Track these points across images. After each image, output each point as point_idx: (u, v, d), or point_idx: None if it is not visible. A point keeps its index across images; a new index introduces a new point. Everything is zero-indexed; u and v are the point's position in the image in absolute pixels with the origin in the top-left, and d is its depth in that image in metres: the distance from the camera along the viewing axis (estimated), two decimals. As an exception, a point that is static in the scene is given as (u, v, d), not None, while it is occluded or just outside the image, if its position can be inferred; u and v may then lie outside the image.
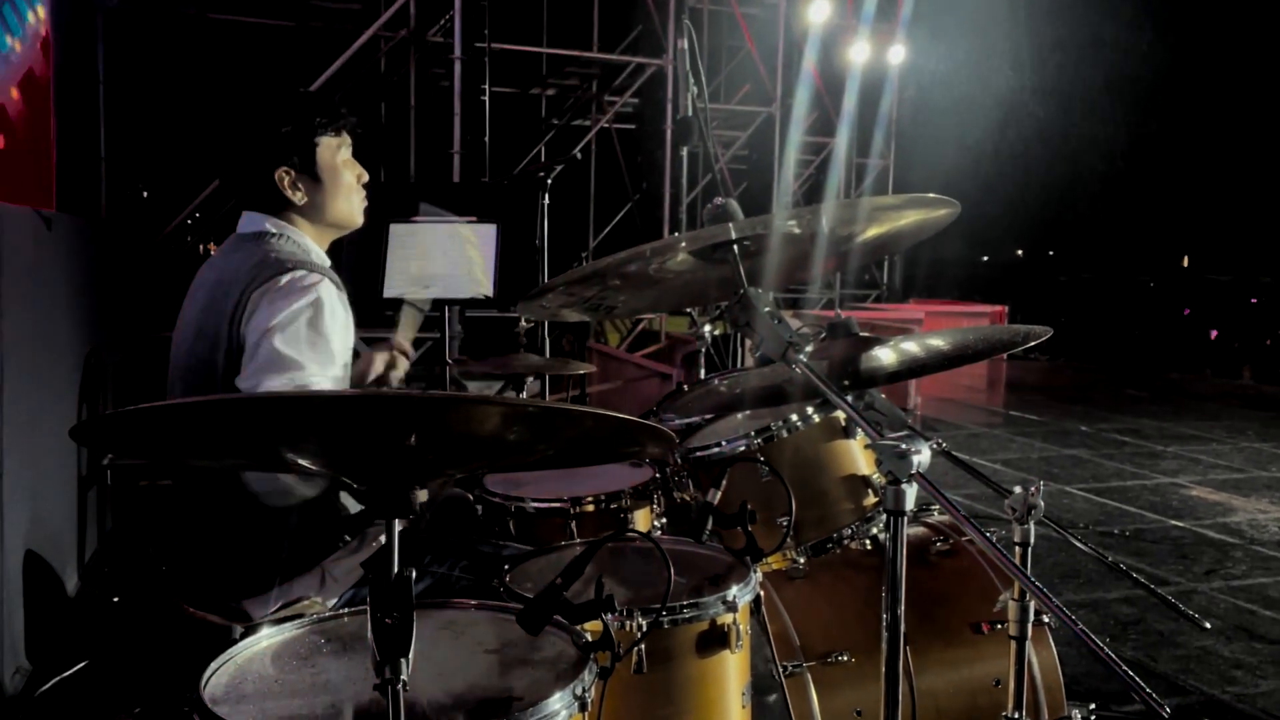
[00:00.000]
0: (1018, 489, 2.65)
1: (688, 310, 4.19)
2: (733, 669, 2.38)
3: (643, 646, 2.21)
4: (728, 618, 2.34)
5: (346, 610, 2.20)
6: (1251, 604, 5.86)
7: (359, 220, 3.16)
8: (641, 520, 3.49)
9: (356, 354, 3.11)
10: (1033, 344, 2.89)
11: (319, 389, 2.64)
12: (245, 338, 2.75)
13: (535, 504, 3.40)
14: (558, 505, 3.38)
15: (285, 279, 2.78)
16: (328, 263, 3.09)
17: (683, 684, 2.32)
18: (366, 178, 3.15)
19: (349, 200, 3.09)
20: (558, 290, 2.75)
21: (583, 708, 1.85)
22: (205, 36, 11.41)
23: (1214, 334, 21.40)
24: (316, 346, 2.75)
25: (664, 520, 3.54)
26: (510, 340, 4.84)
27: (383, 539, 2.93)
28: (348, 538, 2.94)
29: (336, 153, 3.04)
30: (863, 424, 2.32)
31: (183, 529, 2.97)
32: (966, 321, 15.58)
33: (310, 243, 3.04)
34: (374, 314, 5.23)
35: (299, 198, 2.98)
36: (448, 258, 4.95)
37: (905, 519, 2.24)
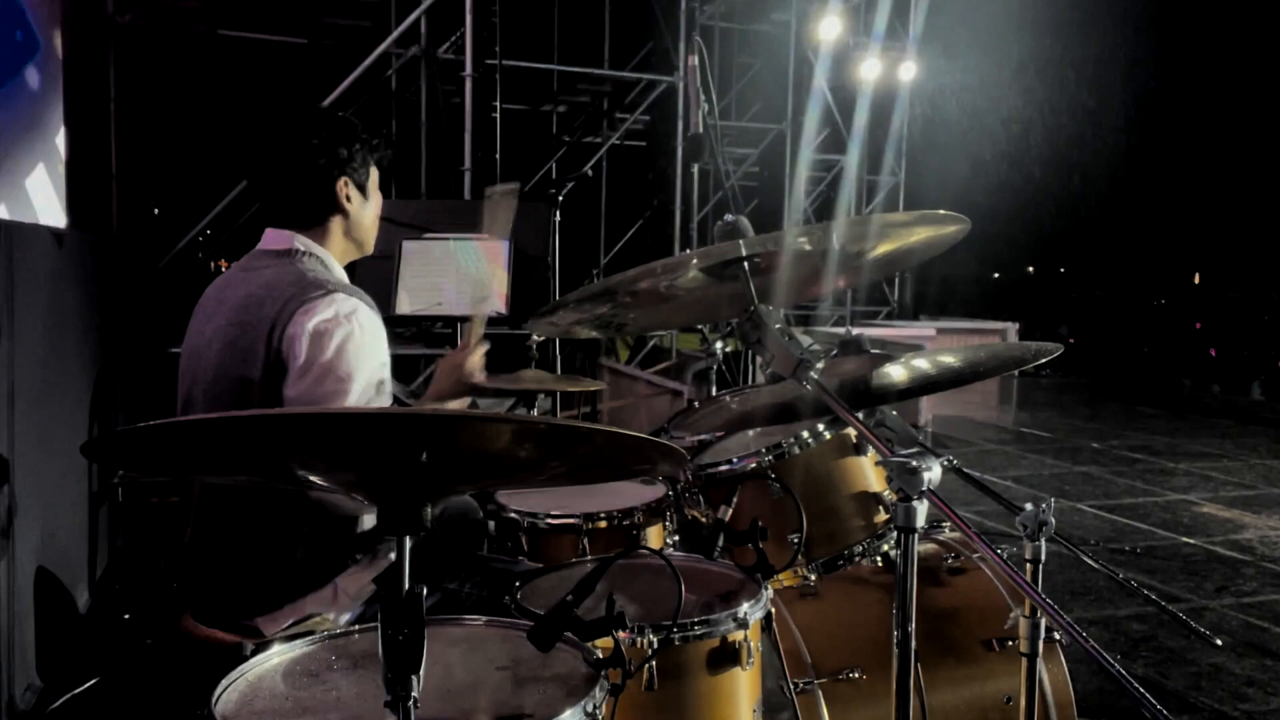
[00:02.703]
0: (1029, 506, 2.64)
1: (699, 327, 4.19)
2: (744, 686, 2.38)
3: (654, 663, 2.21)
4: (739, 635, 2.34)
5: (357, 627, 2.20)
6: (1263, 621, 5.84)
7: (372, 248, 3.23)
8: (653, 537, 3.49)
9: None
10: (1043, 361, 2.89)
11: (348, 407, 2.65)
12: (288, 353, 2.76)
13: (547, 520, 3.40)
14: (570, 522, 3.38)
15: (329, 302, 2.79)
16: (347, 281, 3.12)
17: (694, 701, 2.32)
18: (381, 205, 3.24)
19: (374, 222, 3.18)
20: (569, 307, 2.75)
21: (594, 725, 1.85)
22: (216, 53, 11.44)
23: (1225, 350, 21.34)
24: (357, 371, 2.78)
25: (676, 537, 3.54)
26: (521, 357, 4.84)
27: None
28: (359, 555, 2.93)
29: (376, 174, 3.15)
30: (874, 441, 2.32)
31: (194, 545, 2.97)
32: (977, 338, 15.56)
33: (334, 262, 3.07)
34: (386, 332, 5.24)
35: (350, 209, 3.05)
36: (460, 274, 4.95)
37: (916, 536, 2.24)
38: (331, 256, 3.06)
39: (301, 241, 3.01)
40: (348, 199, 3.04)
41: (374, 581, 2.88)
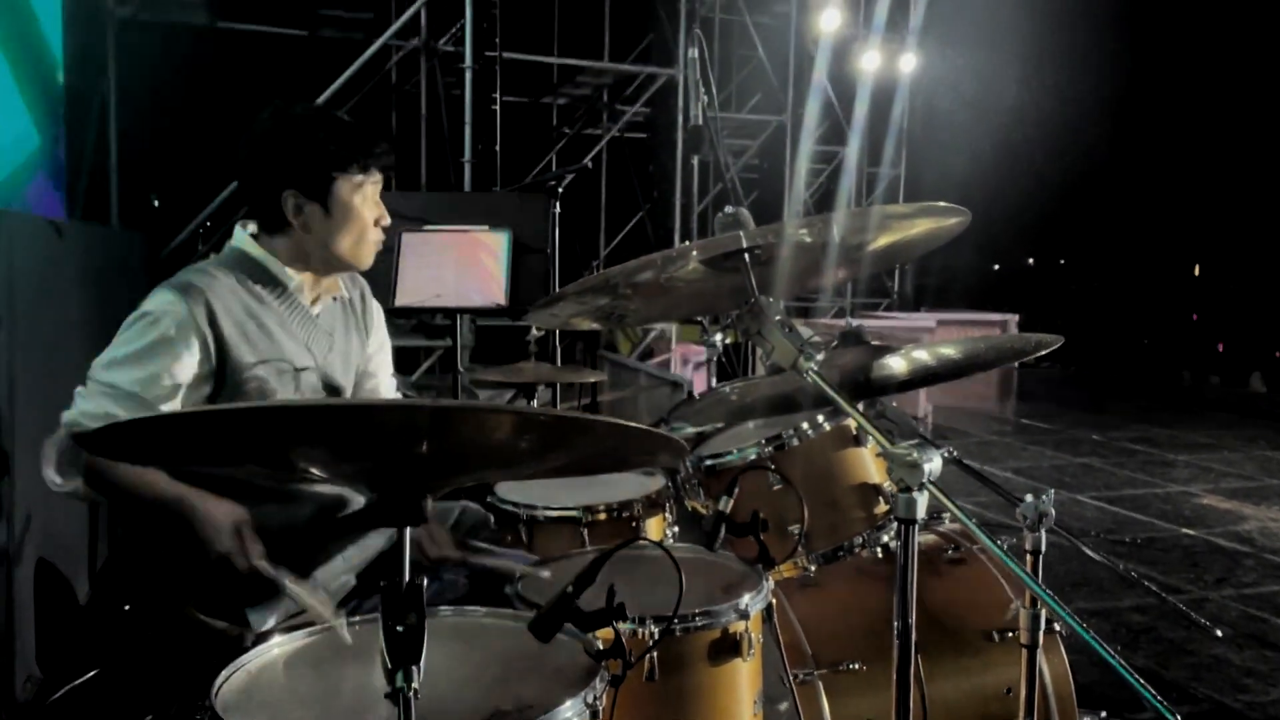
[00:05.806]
0: (1029, 497, 2.65)
1: (699, 319, 4.18)
2: (744, 677, 2.38)
3: (654, 654, 2.21)
4: (740, 626, 2.34)
5: (358, 618, 2.20)
6: (1263, 612, 5.84)
7: (366, 263, 2.98)
8: (653, 529, 3.49)
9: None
10: (1044, 352, 2.90)
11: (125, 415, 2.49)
12: None
13: (547, 512, 3.40)
14: (570, 514, 3.38)
15: (152, 294, 2.72)
16: (331, 289, 3.04)
17: (694, 692, 2.32)
18: (387, 221, 2.96)
19: (359, 241, 2.90)
20: (569, 299, 2.75)
21: (594, 716, 1.85)
22: (216, 45, 11.41)
23: (1225, 342, 21.36)
24: (137, 365, 2.68)
25: (676, 529, 3.54)
26: (521, 349, 4.85)
27: (377, 549, 2.95)
28: (339, 550, 2.92)
29: (357, 190, 2.84)
30: (873, 432, 2.32)
31: (189, 540, 2.96)
32: (977, 330, 15.55)
33: (280, 267, 2.90)
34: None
35: (300, 223, 2.83)
36: (459, 266, 4.95)
37: (916, 527, 2.24)
38: (279, 262, 2.89)
39: (250, 241, 2.90)
40: (297, 213, 2.81)
41: (356, 577, 2.90)
